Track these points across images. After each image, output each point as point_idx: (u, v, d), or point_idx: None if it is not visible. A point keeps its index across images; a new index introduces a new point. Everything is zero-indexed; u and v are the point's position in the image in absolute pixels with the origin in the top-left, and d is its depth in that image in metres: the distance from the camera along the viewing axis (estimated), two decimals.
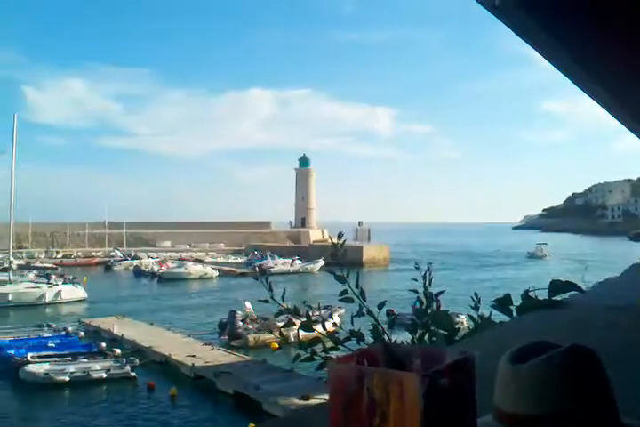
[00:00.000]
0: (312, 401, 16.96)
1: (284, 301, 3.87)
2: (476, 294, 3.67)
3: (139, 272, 63.15)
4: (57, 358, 23.70)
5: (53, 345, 25.95)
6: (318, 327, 3.72)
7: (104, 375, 22.40)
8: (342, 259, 3.75)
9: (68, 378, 22.06)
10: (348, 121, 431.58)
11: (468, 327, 3.49)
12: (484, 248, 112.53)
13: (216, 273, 61.03)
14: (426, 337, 3.35)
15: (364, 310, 3.54)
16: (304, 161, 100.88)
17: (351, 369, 0.80)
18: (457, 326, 3.22)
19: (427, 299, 3.62)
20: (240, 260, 73.77)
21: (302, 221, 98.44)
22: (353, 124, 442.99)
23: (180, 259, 72.03)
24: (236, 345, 27.58)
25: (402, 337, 3.49)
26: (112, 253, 75.63)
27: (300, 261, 68.01)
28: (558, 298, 3.00)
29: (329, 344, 3.50)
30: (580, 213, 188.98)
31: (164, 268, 62.53)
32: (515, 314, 3.08)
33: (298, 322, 3.85)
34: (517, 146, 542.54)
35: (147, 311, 38.33)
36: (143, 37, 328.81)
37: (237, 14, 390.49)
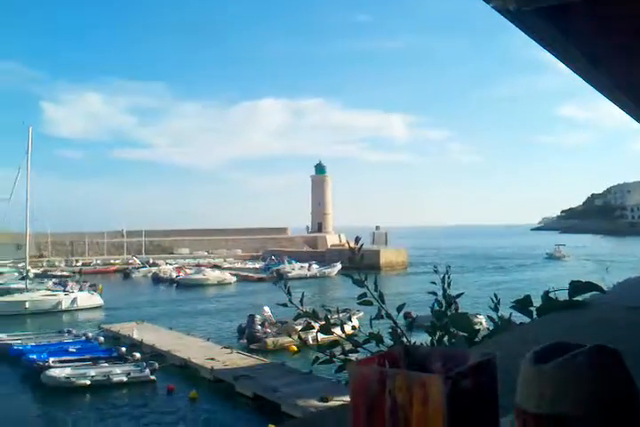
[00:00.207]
0: (331, 403, 16.95)
1: (302, 304, 3.87)
2: (495, 295, 3.65)
3: (157, 279, 63.54)
4: (78, 363, 23.94)
5: (74, 350, 26.21)
6: (337, 330, 3.71)
7: (124, 379, 22.57)
8: (360, 263, 3.74)
9: (88, 382, 22.28)
10: (362, 128, 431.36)
11: (489, 329, 3.47)
12: (502, 250, 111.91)
13: (234, 279, 61.21)
14: (445, 339, 3.33)
15: (383, 313, 3.53)
16: (320, 168, 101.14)
17: (373, 371, 0.80)
18: (477, 328, 3.20)
19: (446, 301, 3.61)
20: (257, 265, 73.91)
21: (319, 227, 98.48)
22: (368, 131, 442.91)
23: (198, 265, 72.30)
24: (254, 348, 27.68)
25: (421, 339, 3.48)
26: (130, 261, 76.16)
27: (318, 266, 68.02)
28: (579, 299, 2.98)
29: (348, 347, 3.50)
30: (600, 214, 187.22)
31: (181, 274, 62.84)
32: (535, 315, 3.06)
33: (316, 325, 3.86)
34: (535, 149, 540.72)
35: (165, 317, 38.55)
36: (157, 51, 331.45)
37: (250, 26, 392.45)
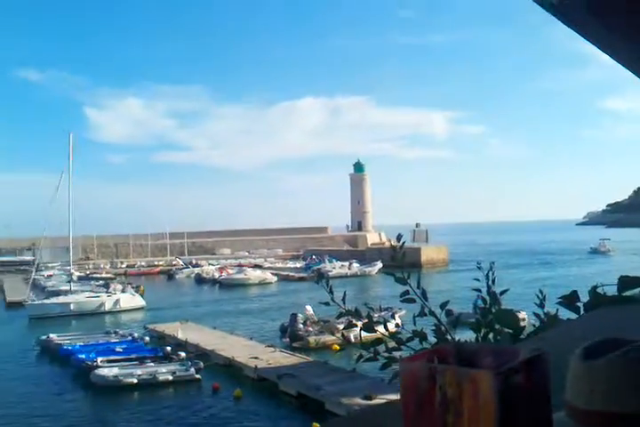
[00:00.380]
0: (375, 401, 16.91)
1: (344, 303, 3.88)
2: (541, 291, 3.60)
3: (200, 279, 64.31)
4: (125, 363, 24.41)
5: (121, 350, 26.71)
6: (380, 328, 3.71)
7: (170, 378, 22.91)
8: (402, 261, 3.73)
9: (135, 381, 22.67)
10: (401, 125, 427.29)
11: (534, 325, 3.42)
12: (545, 246, 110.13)
13: (275, 278, 61.56)
14: (490, 336, 3.30)
15: (426, 311, 3.52)
16: (358, 166, 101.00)
17: (423, 367, 0.80)
18: (522, 325, 3.16)
19: (490, 298, 3.57)
20: (298, 265, 74.16)
21: (359, 225, 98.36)
22: (407, 128, 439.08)
23: (240, 265, 72.94)
24: (297, 347, 27.80)
25: (465, 336, 3.46)
26: (174, 262, 77.26)
27: (358, 265, 67.91)
28: (628, 294, 2.91)
29: (391, 345, 3.50)
30: None
31: (224, 274, 63.44)
32: (582, 311, 3.01)
33: (359, 324, 3.86)
34: (579, 143, 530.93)
35: (209, 316, 38.99)
36: (195, 54, 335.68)
37: (288, 26, 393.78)
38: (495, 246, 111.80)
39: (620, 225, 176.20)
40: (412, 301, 3.54)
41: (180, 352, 25.71)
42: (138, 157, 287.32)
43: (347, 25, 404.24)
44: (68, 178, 49.52)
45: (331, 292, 3.89)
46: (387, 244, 76.87)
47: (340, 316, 4.05)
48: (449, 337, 3.40)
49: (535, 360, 0.81)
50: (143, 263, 79.92)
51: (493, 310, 3.45)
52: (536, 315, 3.44)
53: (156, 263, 79.63)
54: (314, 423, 15.83)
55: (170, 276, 70.00)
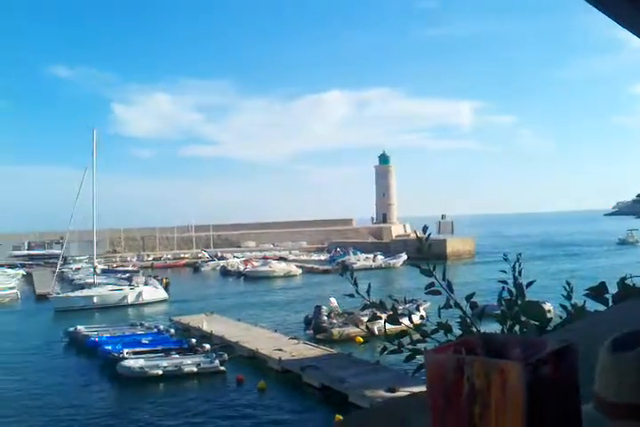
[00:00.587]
0: (398, 393, 16.90)
1: (369, 295, 3.88)
2: (568, 283, 3.56)
3: (225, 272, 64.75)
4: (150, 354, 24.69)
5: (147, 342, 27.00)
6: (404, 320, 3.71)
7: (195, 370, 23.12)
8: (427, 253, 3.72)
9: (161, 372, 22.93)
10: (427, 116, 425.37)
11: (560, 317, 3.38)
12: (572, 237, 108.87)
13: (299, 271, 61.70)
14: (516, 328, 3.28)
15: (452, 303, 3.50)
16: (384, 158, 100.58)
17: (450, 358, 0.79)
18: (549, 316, 3.13)
19: (517, 290, 3.54)
20: (322, 257, 74.22)
21: (383, 217, 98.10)
22: (433, 120, 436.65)
23: (264, 258, 73.23)
24: (320, 339, 27.87)
25: (490, 329, 3.44)
26: (199, 255, 77.83)
27: (383, 257, 67.77)
28: None
29: (415, 337, 3.49)
30: None
31: (249, 267, 63.75)
32: (610, 303, 2.97)
33: (383, 316, 3.85)
34: (609, 131, 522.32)
35: (234, 308, 39.24)
36: (221, 49, 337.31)
37: (313, 19, 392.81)
38: (521, 238, 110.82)
39: None
40: (438, 293, 3.53)
41: (204, 344, 25.92)
42: (165, 152, 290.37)
43: (368, 19, 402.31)
44: (92, 173, 50.06)
45: (355, 284, 3.89)
46: (412, 236, 76.62)
47: (364, 308, 4.05)
48: (474, 329, 3.38)
49: (564, 352, 0.80)
50: (169, 256, 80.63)
51: (519, 302, 3.42)
52: (563, 307, 3.40)
53: (181, 256, 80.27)
54: (337, 415, 15.89)
55: (195, 268, 70.57)
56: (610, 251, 76.77)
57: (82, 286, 47.50)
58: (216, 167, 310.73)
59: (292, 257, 75.50)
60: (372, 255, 68.10)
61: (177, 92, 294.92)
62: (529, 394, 0.72)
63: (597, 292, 3.01)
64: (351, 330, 26.99)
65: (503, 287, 3.66)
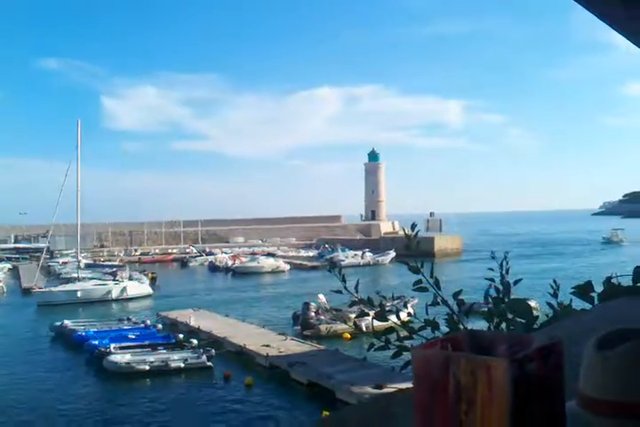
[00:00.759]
0: (385, 390, 16.96)
1: (357, 292, 3.89)
2: (554, 281, 3.59)
3: (213, 267, 64.64)
4: (137, 349, 24.63)
5: (134, 337, 26.94)
6: (392, 317, 3.72)
7: (182, 365, 23.09)
8: (415, 250, 3.73)
9: (148, 367, 22.88)
10: (418, 114, 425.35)
11: (547, 315, 3.41)
12: (559, 236, 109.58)
13: (288, 267, 61.71)
14: (503, 325, 3.30)
15: (439, 300, 3.52)
16: (373, 155, 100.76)
17: (437, 355, 0.79)
18: (536, 314, 3.15)
19: (504, 288, 3.56)
20: (311, 253, 74.33)
21: (372, 214, 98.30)
22: (423, 117, 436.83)
23: (253, 253, 73.15)
24: (308, 335, 27.90)
25: (477, 326, 3.45)
26: (187, 250, 77.64)
27: (371, 254, 67.91)
28: None
29: (403, 334, 3.50)
30: None
31: (237, 262, 63.69)
32: (596, 302, 2.99)
33: (371, 312, 3.87)
34: (596, 131, 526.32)
35: (221, 304, 39.21)
36: (211, 42, 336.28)
37: (304, 15, 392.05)
38: (509, 236, 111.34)
39: (637, 215, 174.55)
40: (425, 290, 3.55)
41: (192, 340, 25.91)
42: (155, 146, 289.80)
43: (360, 16, 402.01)
44: (77, 166, 49.56)
45: (343, 280, 3.89)
46: (400, 233, 76.72)
47: (352, 304, 4.06)
48: (461, 326, 3.40)
49: (550, 349, 0.80)
50: (157, 251, 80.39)
51: (506, 300, 3.44)
52: (549, 305, 3.43)
53: (169, 251, 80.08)
54: (324, 412, 15.93)
55: (183, 263, 70.44)
56: (595, 250, 77.35)
57: (68, 280, 47.24)
58: (206, 162, 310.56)
59: (280, 253, 75.46)
60: (360, 252, 68.22)
61: (166, 86, 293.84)
62: (514, 391, 0.73)
63: (583, 290, 3.04)
64: (339, 326, 27.02)
65: (490, 285, 3.68)
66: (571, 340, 1.17)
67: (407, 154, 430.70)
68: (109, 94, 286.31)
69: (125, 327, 29.72)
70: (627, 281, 2.95)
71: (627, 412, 0.92)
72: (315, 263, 61.65)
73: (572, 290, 3.09)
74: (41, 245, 75.16)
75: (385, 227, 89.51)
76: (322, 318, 29.55)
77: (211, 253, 73.28)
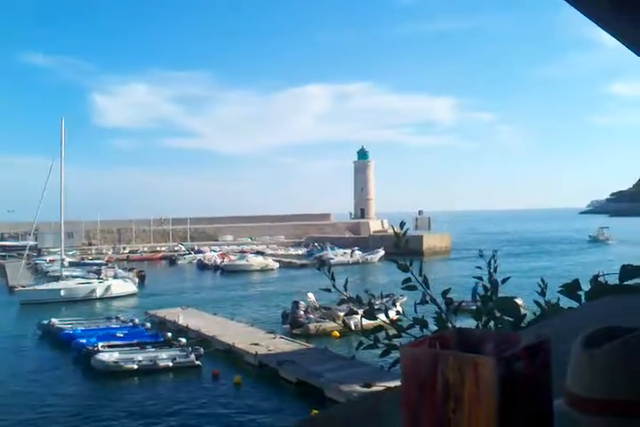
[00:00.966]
0: (374, 388, 17.00)
1: (346, 290, 3.89)
2: (542, 280, 3.61)
3: (202, 265, 64.48)
4: (125, 348, 24.52)
5: (122, 335, 26.82)
6: (381, 316, 3.72)
7: (170, 364, 23.01)
8: (404, 248, 3.74)
9: (136, 366, 22.79)
10: (408, 112, 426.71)
11: (534, 313, 3.43)
12: (546, 234, 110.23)
13: (277, 265, 61.68)
14: (491, 324, 3.31)
15: (428, 298, 3.53)
16: (362, 153, 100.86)
17: (425, 353, 0.80)
18: (524, 312, 3.17)
19: (492, 286, 3.58)
20: (300, 252, 74.36)
21: (362, 213, 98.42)
22: (414, 115, 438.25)
23: (242, 251, 73.07)
24: (297, 333, 27.90)
25: (465, 324, 3.46)
26: (176, 248, 77.43)
27: (360, 252, 67.98)
28: (630, 283, 2.91)
29: (392, 332, 3.51)
30: None
31: (226, 260, 63.58)
32: (583, 300, 3.01)
33: (360, 311, 3.87)
34: (585, 130, 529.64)
35: (210, 302, 39.11)
36: (202, 39, 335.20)
37: (295, 12, 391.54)
38: (497, 235, 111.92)
39: (624, 214, 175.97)
40: (414, 288, 3.55)
41: (180, 338, 25.82)
42: (145, 143, 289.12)
43: (351, 14, 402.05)
44: (61, 163, 49.07)
45: (332, 279, 3.90)
46: (389, 231, 76.90)
47: (341, 303, 4.06)
48: (450, 325, 3.41)
49: (537, 347, 0.80)
50: (145, 249, 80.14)
51: (494, 298, 3.46)
52: (537, 303, 3.45)
53: (158, 249, 79.84)
54: (313, 410, 15.93)
55: (172, 261, 70.26)
56: (582, 249, 77.86)
57: (57, 279, 46.97)
58: (196, 159, 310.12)
59: (269, 251, 75.43)
60: (349, 250, 68.29)
61: (156, 82, 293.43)
62: (502, 389, 0.73)
63: (571, 289, 3.05)
64: (328, 325, 27.05)
65: (476, 283, 3.69)
66: (558, 338, 1.18)
67: (398, 152, 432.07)
68: (100, 91, 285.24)
69: (113, 326, 29.58)
70: (613, 279, 2.97)
71: (613, 410, 0.93)
72: (304, 261, 61.64)
73: (560, 289, 3.11)
74: (28, 242, 74.76)
75: (374, 225, 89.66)
76: (311, 316, 29.54)
77: (199, 252, 73.16)
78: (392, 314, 3.78)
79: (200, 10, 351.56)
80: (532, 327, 2.57)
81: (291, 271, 58.24)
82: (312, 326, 28.14)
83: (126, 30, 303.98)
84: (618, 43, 2.31)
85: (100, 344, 24.44)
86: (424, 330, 3.40)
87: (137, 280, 48.84)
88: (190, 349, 23.90)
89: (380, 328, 3.47)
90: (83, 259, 68.65)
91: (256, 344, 24.37)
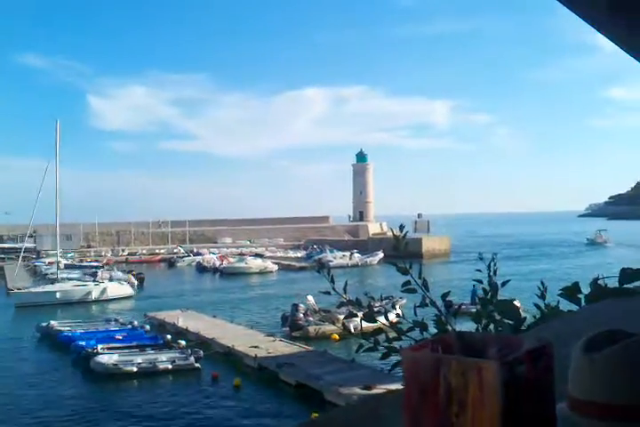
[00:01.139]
0: (374, 391, 16.99)
1: (345, 293, 3.89)
2: (542, 283, 3.61)
3: (201, 268, 64.40)
4: (125, 350, 24.49)
5: (121, 337, 26.79)
6: (381, 318, 3.72)
7: (169, 366, 22.98)
8: (404, 251, 3.73)
9: (135, 369, 22.76)
10: (405, 115, 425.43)
11: (534, 316, 3.42)
12: (545, 237, 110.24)
13: (276, 267, 61.62)
14: (491, 326, 3.31)
15: (428, 301, 3.52)
16: (361, 156, 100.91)
17: (427, 356, 0.80)
18: (523, 316, 3.17)
19: (491, 289, 3.57)
20: (299, 254, 74.30)
21: (360, 215, 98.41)
22: (411, 118, 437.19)
23: (241, 254, 73.00)
24: (296, 336, 27.87)
25: (465, 327, 3.46)
26: (175, 250, 77.37)
27: (359, 255, 67.94)
28: (630, 286, 2.91)
29: (391, 335, 3.50)
30: None
31: (225, 263, 63.53)
32: (583, 303, 3.01)
33: (359, 313, 3.86)
34: (582, 133, 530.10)
35: (209, 304, 39.08)
36: (200, 42, 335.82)
37: (293, 15, 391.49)
38: (496, 238, 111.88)
39: (623, 217, 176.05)
40: (414, 291, 3.55)
41: (180, 341, 25.80)
42: (142, 146, 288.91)
43: (347, 17, 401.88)
44: (55, 165, 49.02)
45: (332, 281, 3.89)
46: (388, 234, 76.90)
47: (340, 305, 4.06)
48: (449, 328, 3.40)
49: (540, 351, 0.81)
50: (144, 251, 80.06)
51: (494, 301, 3.46)
52: (537, 306, 3.44)
53: (157, 251, 79.79)
54: (313, 413, 15.91)
55: (171, 264, 70.22)
56: (580, 251, 77.88)
57: (55, 281, 46.93)
58: (194, 162, 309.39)
59: (268, 254, 75.36)
60: (348, 253, 68.27)
61: (153, 85, 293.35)
62: (505, 392, 0.73)
63: (571, 292, 3.05)
64: (327, 328, 27.02)
65: (474, 285, 3.70)
66: (559, 341, 1.18)
67: (395, 155, 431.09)
68: (97, 94, 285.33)
69: (112, 328, 29.56)
70: (613, 283, 2.97)
71: (613, 414, 0.93)
72: (303, 264, 61.62)
73: (560, 292, 3.11)
74: (27, 245, 74.67)
75: (373, 228, 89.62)
76: (310, 319, 29.51)
77: (198, 254, 73.08)
78: (392, 317, 3.77)
79: (197, 12, 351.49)
80: (533, 331, 2.58)
81: (290, 274, 58.21)
82: (311, 329, 28.09)
83: (123, 32, 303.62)
84: (616, 47, 2.32)
85: (100, 346, 24.40)
86: (424, 333, 3.39)
87: (135, 282, 48.87)
88: (190, 351, 23.88)
89: (379, 331, 3.47)
90: (81, 261, 68.57)
91: (255, 347, 24.34)
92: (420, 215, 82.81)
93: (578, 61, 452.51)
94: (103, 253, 77.78)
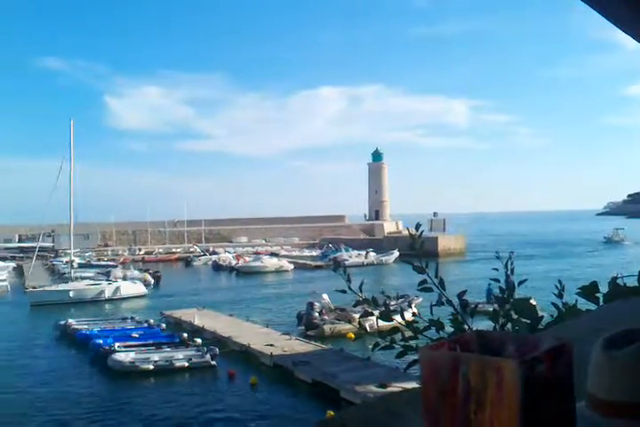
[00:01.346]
0: (390, 389, 16.96)
1: (361, 291, 3.89)
2: (560, 282, 3.58)
3: (217, 266, 64.65)
4: (142, 348, 24.65)
5: (137, 336, 26.97)
6: (397, 317, 3.71)
7: (186, 364, 23.09)
8: (420, 250, 3.72)
9: (152, 366, 22.91)
10: (422, 114, 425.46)
11: (551, 315, 3.40)
12: (563, 236, 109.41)
13: (291, 266, 61.68)
14: (509, 325, 3.29)
15: (444, 300, 3.51)
16: (377, 155, 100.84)
17: (446, 356, 0.79)
18: (541, 314, 3.15)
19: (508, 288, 3.56)
20: (314, 253, 74.36)
21: (376, 214, 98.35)
22: (428, 117, 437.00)
23: (256, 253, 73.20)
24: (312, 335, 27.88)
25: (481, 326, 3.45)
26: (191, 249, 77.72)
27: (375, 253, 67.84)
28: None
29: (407, 333, 3.49)
30: None
31: (241, 262, 63.72)
32: (601, 302, 2.98)
33: (375, 312, 3.86)
34: (602, 131, 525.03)
35: (225, 303, 39.21)
36: (215, 41, 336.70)
37: (308, 14, 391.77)
38: (512, 236, 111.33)
39: None
40: (430, 290, 3.54)
41: (196, 339, 25.91)
42: (159, 145, 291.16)
43: (364, 16, 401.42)
44: (70, 165, 49.25)
45: (348, 280, 3.89)
46: (404, 233, 76.70)
47: (356, 304, 4.06)
48: (466, 327, 3.39)
49: (559, 350, 0.80)
50: (161, 250, 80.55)
51: (511, 300, 3.44)
52: (555, 305, 3.42)
53: (173, 250, 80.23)
54: (329, 411, 15.92)
55: (187, 263, 70.57)
56: (598, 250, 77.23)
57: (68, 280, 47.32)
58: (210, 162, 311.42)
59: (283, 253, 75.49)
60: (364, 252, 68.19)
61: (171, 85, 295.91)
62: (525, 392, 0.73)
63: (589, 291, 3.03)
64: (342, 326, 27.02)
65: (489, 284, 3.68)
66: (577, 340, 1.17)
67: (412, 154, 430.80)
68: (113, 94, 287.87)
69: (129, 326, 29.78)
70: (632, 281, 2.95)
71: (633, 413, 0.93)
72: (318, 263, 61.65)
73: (578, 290, 3.08)
74: (45, 244, 75.37)
75: (388, 227, 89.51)
76: (326, 317, 29.51)
77: (214, 253, 73.43)
78: (407, 315, 3.76)
79: (212, 11, 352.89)
80: (551, 329, 2.56)
81: (305, 273, 58.25)
82: (327, 328, 28.11)
83: (139, 33, 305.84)
84: (638, 44, 2.29)
85: (117, 344, 24.59)
86: (440, 332, 3.38)
87: (152, 281, 49.15)
88: (206, 349, 23.97)
89: (395, 330, 3.46)
90: (99, 260, 69.13)
91: (271, 345, 24.39)
92: (435, 214, 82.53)
93: (597, 59, 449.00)
94: (120, 253, 78.36)
